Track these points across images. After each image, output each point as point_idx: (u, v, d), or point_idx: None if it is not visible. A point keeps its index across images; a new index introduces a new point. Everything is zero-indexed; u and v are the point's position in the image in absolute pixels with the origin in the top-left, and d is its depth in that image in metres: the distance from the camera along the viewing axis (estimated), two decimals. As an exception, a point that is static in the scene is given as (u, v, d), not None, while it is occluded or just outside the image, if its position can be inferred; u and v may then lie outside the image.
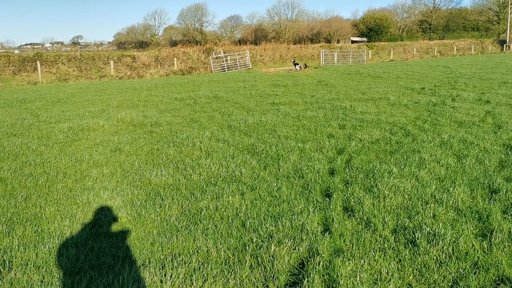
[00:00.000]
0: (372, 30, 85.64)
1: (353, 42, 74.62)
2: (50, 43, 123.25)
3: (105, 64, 31.96)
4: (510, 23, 63.71)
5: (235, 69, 33.78)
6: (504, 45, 59.96)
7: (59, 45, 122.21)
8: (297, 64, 31.11)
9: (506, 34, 63.52)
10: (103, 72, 30.48)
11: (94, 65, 31.72)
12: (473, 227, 4.00)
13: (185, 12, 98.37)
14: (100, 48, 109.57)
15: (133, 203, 4.97)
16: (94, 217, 4.59)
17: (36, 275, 3.40)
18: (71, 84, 24.70)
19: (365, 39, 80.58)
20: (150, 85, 20.64)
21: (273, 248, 3.69)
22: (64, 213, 4.71)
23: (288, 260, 3.51)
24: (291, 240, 3.83)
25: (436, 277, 3.22)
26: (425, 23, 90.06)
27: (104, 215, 4.64)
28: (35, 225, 4.39)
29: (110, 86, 21.67)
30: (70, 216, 4.61)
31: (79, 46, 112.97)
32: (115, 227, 4.32)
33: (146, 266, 3.48)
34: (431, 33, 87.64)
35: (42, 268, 3.50)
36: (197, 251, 3.75)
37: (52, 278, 3.35)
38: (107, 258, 3.67)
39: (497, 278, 3.20)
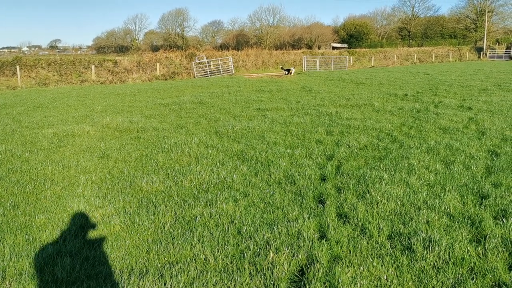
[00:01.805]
0: (352, 37, 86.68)
1: (334, 48, 75.37)
2: (27, 46, 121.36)
3: (85, 68, 31.57)
4: (487, 30, 65.21)
5: (217, 74, 33.74)
6: (481, 53, 61.31)
7: (36, 49, 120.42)
8: (289, 69, 31.17)
9: (483, 42, 64.96)
10: (84, 77, 30.10)
11: (75, 69, 31.31)
12: (466, 232, 4.06)
13: (166, 17, 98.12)
14: (79, 52, 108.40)
15: (125, 210, 4.92)
16: (86, 225, 4.52)
17: (31, 285, 3.33)
18: (51, 89, 24.32)
19: (345, 45, 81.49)
20: (133, 90, 20.46)
21: (271, 256, 3.68)
22: (55, 221, 4.63)
23: (288, 268, 3.51)
24: (289, 247, 3.83)
25: (435, 282, 3.26)
26: (404, 30, 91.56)
27: (97, 223, 4.57)
28: (26, 234, 4.30)
29: (92, 91, 21.42)
30: (62, 224, 4.54)
31: (57, 50, 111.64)
32: (109, 235, 4.26)
33: (145, 275, 3.44)
34: (410, 40, 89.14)
35: (37, 277, 3.43)
36: (194, 259, 3.72)
37: (49, 288, 3.29)
38: (103, 267, 3.61)
39: (494, 284, 3.25)
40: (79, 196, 5.41)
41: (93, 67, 30.93)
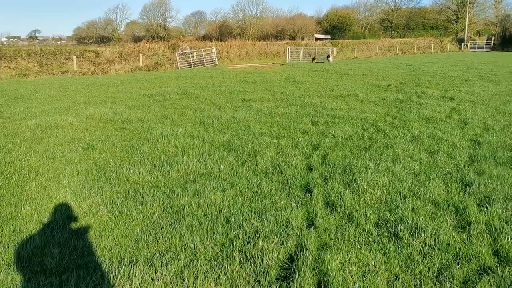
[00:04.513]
0: (335, 28, 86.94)
1: (317, 39, 75.29)
2: (6, 37, 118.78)
3: (67, 59, 31.04)
4: (468, 22, 65.91)
5: (201, 65, 33.52)
6: (463, 44, 61.94)
7: (15, 39, 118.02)
8: (329, 55, 35.77)
9: (464, 33, 65.62)
10: (65, 68, 29.60)
11: (56, 60, 30.76)
12: (451, 219, 4.15)
13: (148, 7, 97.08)
14: (59, 43, 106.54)
15: (112, 200, 4.89)
16: (73, 216, 4.49)
17: (20, 275, 3.30)
18: (32, 80, 23.89)
19: (329, 36, 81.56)
20: (116, 81, 20.23)
21: (260, 244, 3.71)
22: (41, 212, 4.59)
23: (277, 255, 3.55)
24: (278, 235, 3.87)
25: (421, 268, 3.33)
26: (387, 21, 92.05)
27: (84, 213, 4.55)
28: (12, 225, 4.25)
29: (74, 82, 21.10)
30: (48, 215, 4.50)
31: (37, 41, 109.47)
32: (97, 225, 4.24)
33: (135, 264, 3.44)
34: (393, 31, 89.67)
35: (26, 268, 3.41)
36: (184, 248, 3.73)
37: (38, 277, 3.27)
38: (92, 257, 3.60)
39: (479, 268, 3.34)
40: (65, 187, 5.36)
41: (74, 57, 30.44)
